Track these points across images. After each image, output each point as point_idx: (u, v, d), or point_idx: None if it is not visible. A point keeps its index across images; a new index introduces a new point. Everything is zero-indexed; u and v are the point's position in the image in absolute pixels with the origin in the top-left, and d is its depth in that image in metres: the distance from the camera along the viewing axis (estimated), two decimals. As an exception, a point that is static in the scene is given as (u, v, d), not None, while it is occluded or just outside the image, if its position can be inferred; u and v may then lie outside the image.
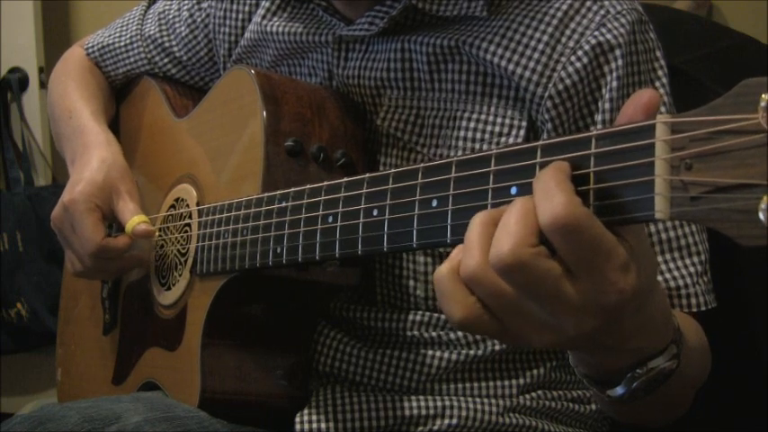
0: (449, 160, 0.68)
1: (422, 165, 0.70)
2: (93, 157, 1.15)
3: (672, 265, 0.92)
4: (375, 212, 0.74)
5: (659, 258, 0.92)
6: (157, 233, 1.12)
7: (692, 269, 0.92)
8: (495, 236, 0.59)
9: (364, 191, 0.76)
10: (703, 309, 0.93)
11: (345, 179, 0.79)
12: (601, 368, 0.71)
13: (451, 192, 0.67)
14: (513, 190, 0.62)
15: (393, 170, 0.73)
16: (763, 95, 0.49)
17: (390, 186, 0.73)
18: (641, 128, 0.55)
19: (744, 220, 0.49)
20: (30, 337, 2.31)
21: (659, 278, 0.91)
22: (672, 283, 0.92)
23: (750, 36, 1.19)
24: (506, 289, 0.59)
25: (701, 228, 0.94)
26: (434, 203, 0.68)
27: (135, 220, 1.08)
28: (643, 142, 0.54)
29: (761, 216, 0.48)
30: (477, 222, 0.61)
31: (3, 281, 2.27)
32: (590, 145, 0.57)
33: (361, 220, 0.76)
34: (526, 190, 0.61)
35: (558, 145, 0.60)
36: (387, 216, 0.73)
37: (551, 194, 0.56)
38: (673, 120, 0.53)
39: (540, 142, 0.61)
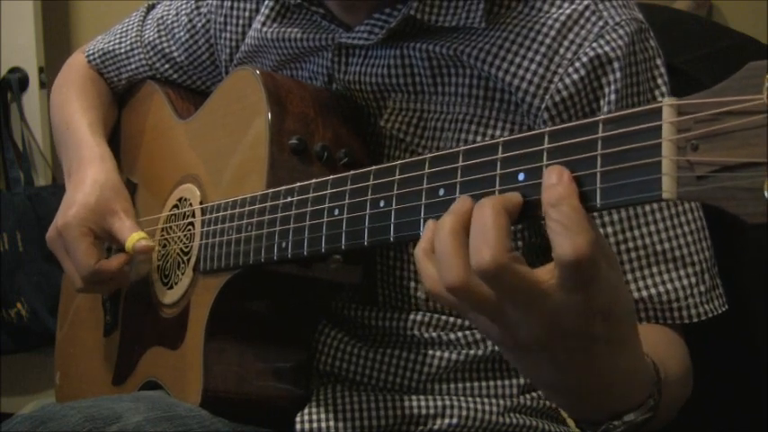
0: (456, 149, 0.68)
1: (429, 155, 0.71)
2: (87, 176, 1.16)
3: (666, 277, 0.92)
4: (382, 203, 0.74)
5: (654, 270, 0.92)
6: (159, 236, 1.12)
7: (685, 281, 0.92)
8: (473, 244, 0.61)
9: (371, 182, 0.76)
10: (696, 320, 0.93)
11: (352, 172, 0.79)
12: (577, 415, 0.73)
13: (459, 179, 0.67)
14: (521, 176, 0.62)
15: (400, 161, 0.73)
16: (767, 77, 0.50)
17: (397, 177, 0.73)
18: (648, 111, 0.55)
19: (750, 197, 0.49)
20: (30, 337, 2.30)
21: (652, 291, 0.92)
22: (664, 297, 0.92)
23: (750, 36, 1.18)
24: (489, 299, 0.62)
25: (699, 237, 0.94)
26: (441, 192, 0.68)
27: (134, 238, 1.09)
28: (650, 125, 0.55)
29: (767, 194, 0.49)
30: (447, 232, 0.63)
31: (3, 281, 2.27)
32: (597, 129, 0.58)
33: (368, 211, 0.76)
34: (533, 175, 0.62)
35: (565, 131, 0.60)
36: (394, 206, 0.73)
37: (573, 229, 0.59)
38: (679, 102, 0.54)
39: (548, 128, 0.61)
